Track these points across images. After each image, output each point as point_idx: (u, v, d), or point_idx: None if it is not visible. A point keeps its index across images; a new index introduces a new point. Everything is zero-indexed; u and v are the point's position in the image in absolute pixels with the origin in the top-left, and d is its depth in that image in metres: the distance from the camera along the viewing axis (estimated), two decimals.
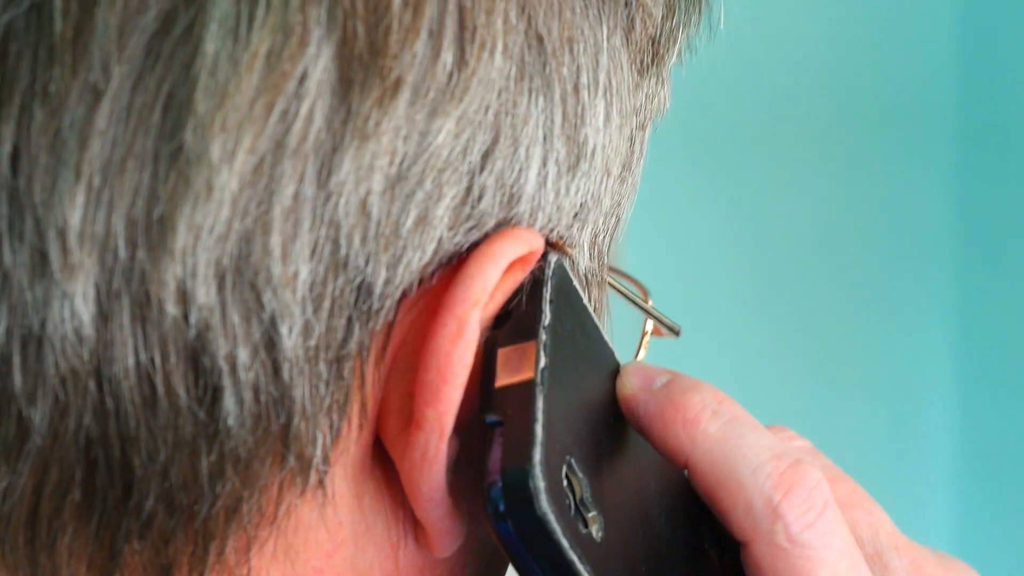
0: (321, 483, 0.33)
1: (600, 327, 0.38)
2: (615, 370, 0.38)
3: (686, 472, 0.37)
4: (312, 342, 0.31)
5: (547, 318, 0.34)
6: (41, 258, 0.29)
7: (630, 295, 0.43)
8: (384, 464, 0.34)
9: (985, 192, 1.74)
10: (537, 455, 0.32)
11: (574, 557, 0.32)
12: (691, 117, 1.52)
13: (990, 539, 1.70)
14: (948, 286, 1.75)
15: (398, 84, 0.31)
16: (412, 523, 0.35)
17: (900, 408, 1.75)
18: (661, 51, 0.39)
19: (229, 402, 0.31)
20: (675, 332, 0.46)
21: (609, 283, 0.41)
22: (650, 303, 0.46)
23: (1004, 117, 1.72)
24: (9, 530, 0.31)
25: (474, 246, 0.34)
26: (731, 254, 1.58)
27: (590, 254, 0.38)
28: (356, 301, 0.32)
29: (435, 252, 0.33)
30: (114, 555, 0.32)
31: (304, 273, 0.31)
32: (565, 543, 0.32)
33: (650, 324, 0.46)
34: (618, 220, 0.40)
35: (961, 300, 1.75)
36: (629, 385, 0.37)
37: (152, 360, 0.30)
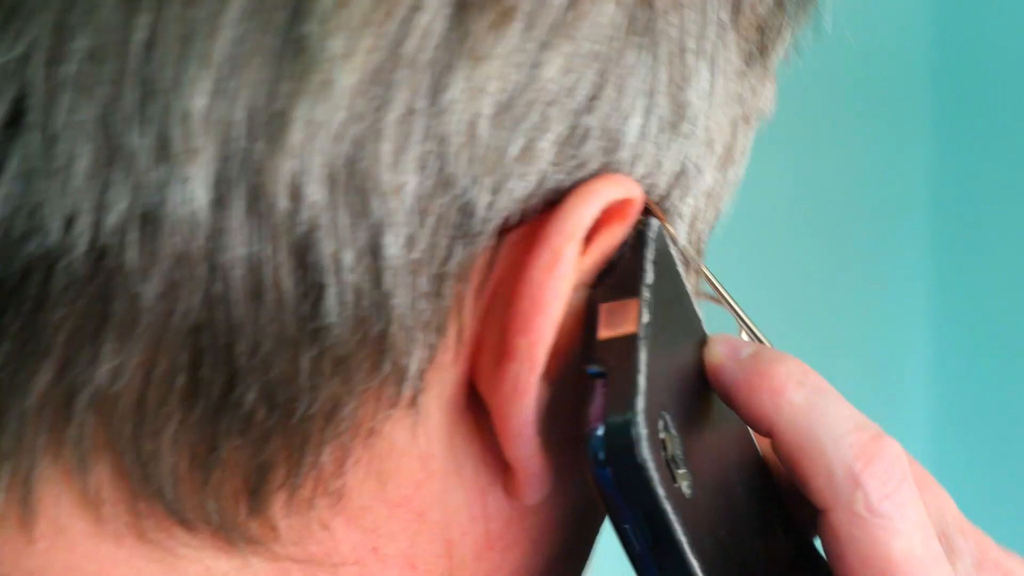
0: (415, 401, 0.34)
1: (692, 295, 0.39)
2: (703, 339, 0.39)
3: (762, 450, 0.38)
4: (414, 255, 0.32)
5: (649, 277, 0.36)
6: (165, 141, 0.30)
7: (723, 292, 0.44)
8: (477, 408, 0.35)
9: (960, 155, 1.77)
10: (640, 404, 0.33)
11: (668, 507, 0.33)
12: None
13: (965, 493, 1.65)
14: (923, 237, 1.76)
15: (513, 10, 0.32)
16: (502, 470, 0.36)
17: (877, 367, 1.75)
18: (767, 43, 0.40)
19: (332, 301, 0.32)
20: (760, 340, 0.46)
21: (704, 273, 0.41)
22: (740, 310, 0.46)
23: (979, 82, 1.74)
24: (116, 413, 0.32)
25: (575, 186, 0.35)
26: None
27: (688, 235, 0.39)
28: (459, 221, 0.33)
29: (538, 185, 0.34)
30: (215, 448, 0.32)
31: (411, 184, 0.32)
32: (661, 492, 0.33)
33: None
34: (717, 212, 0.40)
35: (936, 251, 1.76)
36: (717, 354, 0.38)
37: (261, 252, 0.31)
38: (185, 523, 0.33)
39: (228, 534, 0.33)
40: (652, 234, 0.36)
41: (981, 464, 1.73)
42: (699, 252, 0.40)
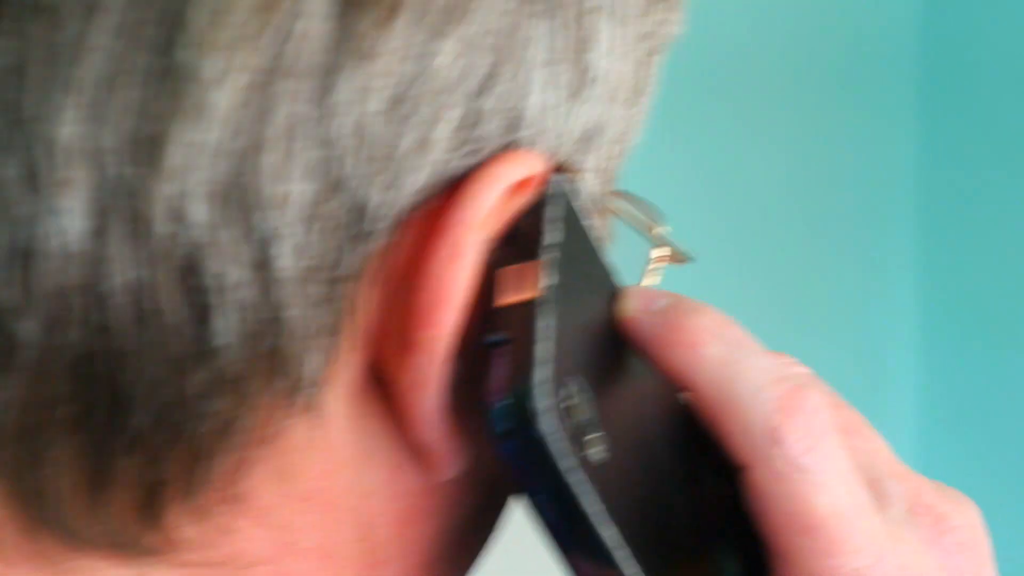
0: (313, 405, 0.33)
1: (602, 251, 0.38)
2: (616, 293, 0.37)
3: (685, 398, 0.37)
4: (305, 263, 0.31)
5: (551, 237, 0.34)
6: (33, 172, 0.29)
7: (636, 222, 0.43)
8: (381, 388, 0.34)
9: (946, 133, 1.75)
10: (541, 374, 0.32)
11: (576, 478, 0.32)
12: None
13: (951, 471, 1.70)
14: (910, 225, 1.76)
15: (399, 5, 0.31)
16: (413, 446, 0.35)
17: (864, 356, 1.76)
18: None
19: (219, 321, 0.31)
20: (686, 259, 0.45)
21: (615, 210, 0.40)
22: (661, 229, 0.45)
23: (966, 68, 1.72)
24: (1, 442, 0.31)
25: (474, 170, 0.33)
26: (697, 197, 1.58)
27: (595, 180, 0.38)
28: (350, 223, 0.32)
29: (432, 176, 0.33)
30: (104, 470, 0.32)
31: (297, 194, 0.31)
32: (567, 464, 0.32)
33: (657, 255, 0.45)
34: (628, 145, 0.39)
35: (923, 240, 1.76)
36: (631, 307, 0.37)
37: (143, 278, 0.30)
38: (81, 542, 0.32)
39: (126, 549, 0.33)
40: (555, 191, 0.35)
41: (968, 453, 1.73)
42: (607, 190, 0.39)
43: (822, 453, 0.35)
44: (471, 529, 0.38)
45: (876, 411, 1.72)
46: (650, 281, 0.45)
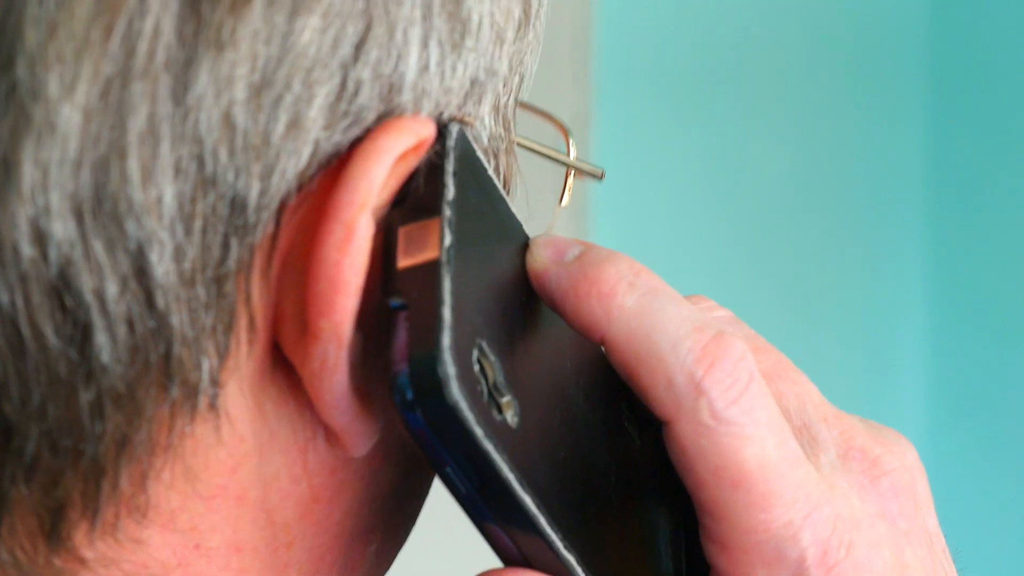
0: (212, 406, 0.31)
1: (507, 200, 0.36)
2: (525, 245, 0.36)
3: (603, 349, 0.35)
4: (186, 265, 0.30)
5: (451, 192, 0.32)
6: None
7: (542, 151, 0.41)
8: (286, 367, 0.33)
9: (956, 126, 1.73)
10: (445, 339, 0.30)
11: (489, 446, 0.31)
12: (664, 57, 1.49)
13: (962, 471, 1.71)
14: (919, 219, 1.76)
15: None
16: (321, 424, 0.33)
17: (873, 343, 1.76)
18: None
19: (101, 338, 0.29)
20: (597, 176, 0.43)
21: (519, 144, 0.38)
22: (571, 153, 0.43)
23: (976, 62, 1.70)
24: None
25: (358, 144, 0.32)
26: (707, 191, 1.56)
27: (493, 121, 0.36)
28: (230, 217, 0.30)
29: (312, 155, 0.31)
30: (3, 498, 0.30)
31: (168, 195, 0.29)
32: (479, 431, 0.30)
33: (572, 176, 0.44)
34: (521, 78, 0.37)
35: (932, 234, 1.76)
36: (540, 259, 0.35)
37: (14, 303, 0.29)
38: None
39: (30, 575, 0.31)
40: (451, 143, 0.33)
41: (977, 445, 1.71)
42: (508, 127, 0.37)
43: (748, 403, 0.33)
44: (393, 500, 0.36)
45: (885, 404, 1.74)
46: (566, 202, 0.44)
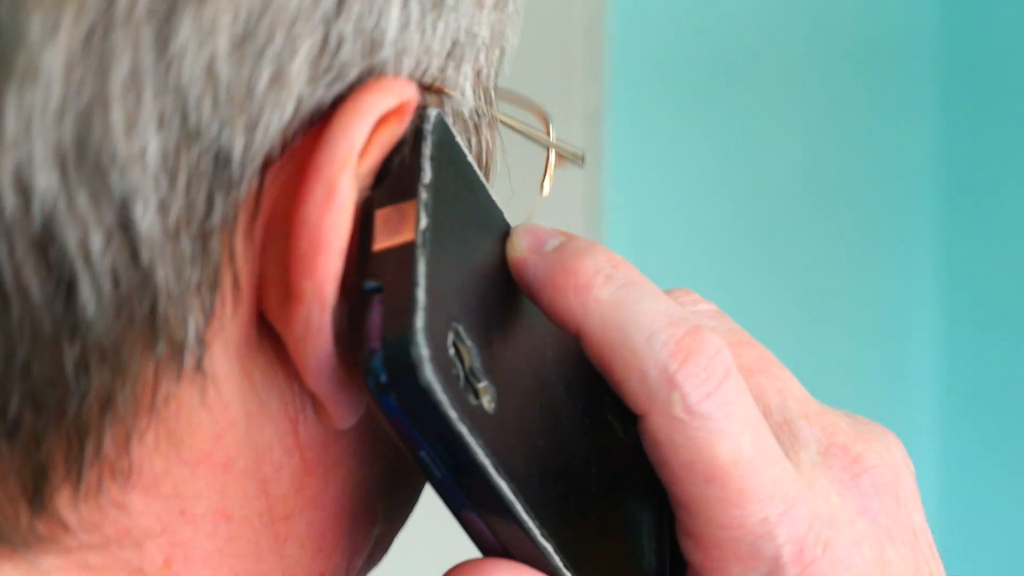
0: (199, 366, 0.31)
1: (487, 186, 0.36)
2: (505, 232, 0.35)
3: (579, 341, 0.35)
4: (171, 220, 0.30)
5: (427, 175, 0.32)
6: None
7: (521, 129, 0.41)
8: (273, 338, 0.33)
9: (969, 125, 1.72)
10: (420, 321, 0.30)
11: (463, 429, 0.30)
12: (677, 53, 1.49)
13: (974, 471, 1.70)
14: (933, 219, 1.75)
15: None
16: (310, 395, 0.33)
17: (886, 342, 1.75)
18: None
19: (86, 292, 0.29)
20: (578, 159, 0.43)
21: (500, 120, 0.38)
22: (552, 135, 0.43)
23: (989, 58, 1.70)
24: None
25: (339, 101, 0.32)
26: (718, 188, 1.56)
27: (474, 93, 0.36)
28: (215, 171, 0.30)
29: (296, 110, 0.31)
30: None
31: (152, 147, 0.29)
32: (453, 415, 0.30)
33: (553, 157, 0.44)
34: (502, 52, 0.37)
35: (945, 233, 1.75)
36: (519, 248, 0.35)
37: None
38: None
39: (11, 542, 0.31)
40: (430, 126, 0.33)
41: (989, 445, 1.69)
42: (490, 101, 0.37)
43: (724, 398, 0.33)
44: (391, 479, 0.36)
45: (897, 403, 1.74)
46: (547, 187, 0.44)
